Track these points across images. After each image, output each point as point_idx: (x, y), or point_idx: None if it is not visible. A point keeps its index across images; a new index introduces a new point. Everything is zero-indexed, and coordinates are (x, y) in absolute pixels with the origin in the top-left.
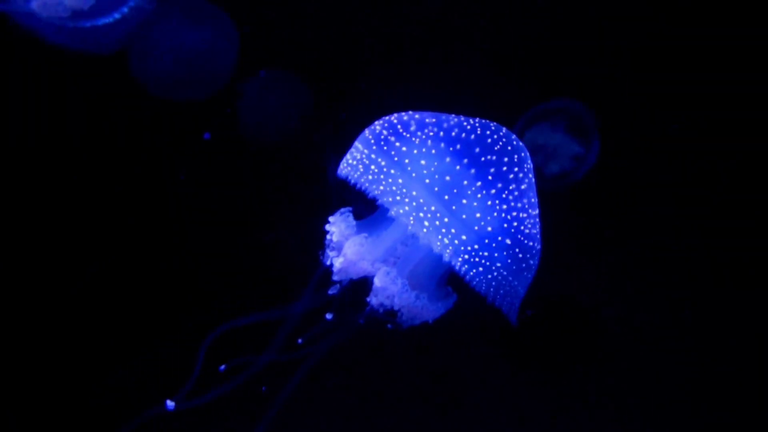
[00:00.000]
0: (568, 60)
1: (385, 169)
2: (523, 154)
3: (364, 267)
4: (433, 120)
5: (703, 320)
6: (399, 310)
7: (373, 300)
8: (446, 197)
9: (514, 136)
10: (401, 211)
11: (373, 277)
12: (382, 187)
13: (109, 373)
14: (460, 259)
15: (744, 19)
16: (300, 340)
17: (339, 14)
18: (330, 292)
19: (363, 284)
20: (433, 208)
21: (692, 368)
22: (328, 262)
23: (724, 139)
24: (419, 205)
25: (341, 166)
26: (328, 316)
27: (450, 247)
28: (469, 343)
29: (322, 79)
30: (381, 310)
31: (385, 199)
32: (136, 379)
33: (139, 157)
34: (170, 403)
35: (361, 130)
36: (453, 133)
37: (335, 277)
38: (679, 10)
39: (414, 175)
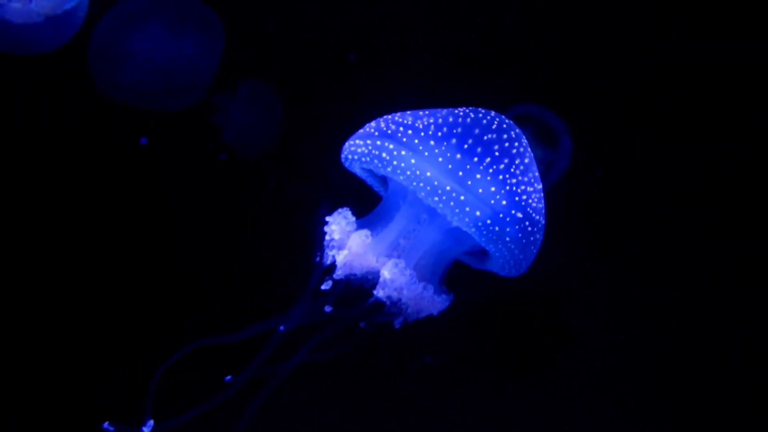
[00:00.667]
0: (563, 62)
1: (395, 152)
2: (517, 131)
3: (368, 261)
4: (427, 112)
5: (703, 320)
6: (405, 303)
7: (380, 293)
8: (460, 173)
9: (503, 116)
10: (419, 190)
11: (374, 273)
12: (393, 166)
13: (109, 373)
14: (474, 230)
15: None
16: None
17: (310, 27)
18: (325, 287)
19: (360, 290)
20: (448, 188)
21: (692, 368)
22: (329, 262)
23: (723, 139)
24: (434, 186)
25: (347, 157)
26: (328, 309)
27: (468, 222)
28: (464, 344)
29: (301, 90)
30: (388, 302)
31: (400, 177)
32: (136, 379)
33: (139, 158)
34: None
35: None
36: (450, 119)
37: (338, 273)
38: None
39: (426, 154)
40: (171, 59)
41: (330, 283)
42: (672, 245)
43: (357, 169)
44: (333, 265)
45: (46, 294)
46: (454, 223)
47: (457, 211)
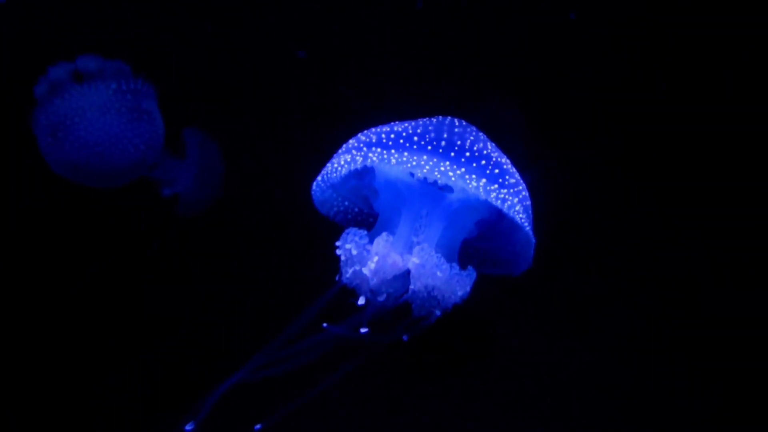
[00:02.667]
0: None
1: (386, 154)
2: (475, 128)
3: (395, 260)
4: (396, 123)
5: (703, 320)
6: (440, 288)
7: (417, 284)
8: (452, 153)
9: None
10: (423, 172)
11: (401, 279)
12: (394, 159)
13: (109, 373)
14: (493, 195)
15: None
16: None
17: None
18: (359, 303)
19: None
20: (448, 164)
21: (692, 368)
22: (349, 276)
23: (724, 138)
24: (433, 165)
25: (333, 172)
26: (363, 330)
27: (481, 188)
28: (462, 341)
29: (242, 140)
30: (425, 292)
31: (405, 167)
32: (136, 379)
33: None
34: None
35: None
36: (420, 122)
37: (372, 282)
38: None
39: (415, 147)
40: (120, 151)
41: (362, 299)
42: (672, 245)
43: (338, 197)
44: (352, 285)
45: (46, 294)
46: (471, 190)
47: (466, 178)
